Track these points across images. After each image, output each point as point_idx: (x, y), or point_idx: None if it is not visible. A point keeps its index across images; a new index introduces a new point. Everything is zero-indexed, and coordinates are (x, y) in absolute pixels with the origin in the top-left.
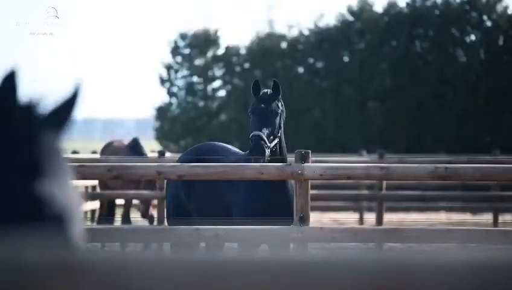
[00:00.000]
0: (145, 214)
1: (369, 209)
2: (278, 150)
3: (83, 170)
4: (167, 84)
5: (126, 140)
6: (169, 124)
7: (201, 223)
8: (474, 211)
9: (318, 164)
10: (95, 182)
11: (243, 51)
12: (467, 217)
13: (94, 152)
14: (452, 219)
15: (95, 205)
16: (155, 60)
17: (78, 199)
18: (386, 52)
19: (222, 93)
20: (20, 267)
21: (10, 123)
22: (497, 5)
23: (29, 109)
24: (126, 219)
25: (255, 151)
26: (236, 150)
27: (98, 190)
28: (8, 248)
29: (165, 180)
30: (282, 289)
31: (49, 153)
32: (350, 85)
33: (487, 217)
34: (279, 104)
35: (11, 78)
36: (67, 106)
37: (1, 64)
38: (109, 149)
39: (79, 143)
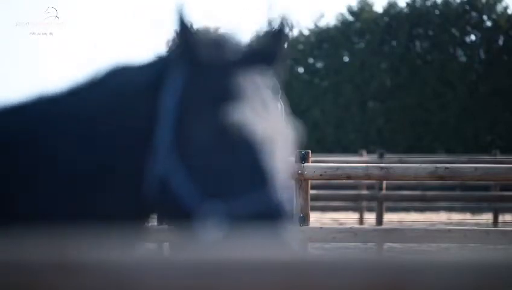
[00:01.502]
0: None
1: (369, 209)
2: None
3: None
4: None
5: None
6: None
7: None
8: (474, 211)
9: (318, 164)
10: None
11: None
12: (467, 217)
13: None
14: (452, 219)
15: None
16: (155, 59)
17: (286, 130)
18: (386, 52)
19: None
20: (20, 267)
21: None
22: (497, 5)
23: (231, 43)
24: None
25: None
26: None
27: None
28: (9, 247)
29: None
30: (282, 289)
31: (258, 89)
32: (350, 85)
33: (487, 217)
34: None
35: (182, 15)
36: (274, 41)
37: (1, 65)
38: None
39: None
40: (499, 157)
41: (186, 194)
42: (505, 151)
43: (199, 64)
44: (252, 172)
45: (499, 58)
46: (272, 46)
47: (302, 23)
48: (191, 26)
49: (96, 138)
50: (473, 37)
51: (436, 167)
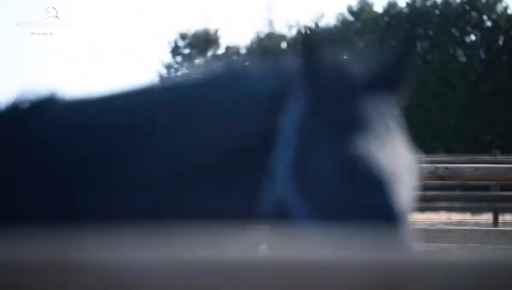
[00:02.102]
0: None
1: None
2: None
3: None
4: None
5: None
6: None
7: None
8: (474, 211)
9: None
10: None
11: (243, 51)
12: (467, 217)
13: None
14: (452, 219)
15: None
16: (155, 60)
17: (410, 167)
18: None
19: None
20: (20, 267)
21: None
22: (497, 5)
23: (350, 67)
24: None
25: None
26: None
27: None
28: (9, 247)
29: None
30: (282, 289)
31: (381, 116)
32: None
33: (487, 217)
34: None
35: (310, 31)
36: (399, 67)
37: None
38: None
39: None
40: (499, 157)
41: (301, 219)
42: (505, 151)
43: (323, 86)
44: (374, 206)
45: (499, 58)
46: (396, 72)
47: (302, 23)
48: (318, 44)
49: (208, 139)
50: (473, 37)
51: (436, 167)
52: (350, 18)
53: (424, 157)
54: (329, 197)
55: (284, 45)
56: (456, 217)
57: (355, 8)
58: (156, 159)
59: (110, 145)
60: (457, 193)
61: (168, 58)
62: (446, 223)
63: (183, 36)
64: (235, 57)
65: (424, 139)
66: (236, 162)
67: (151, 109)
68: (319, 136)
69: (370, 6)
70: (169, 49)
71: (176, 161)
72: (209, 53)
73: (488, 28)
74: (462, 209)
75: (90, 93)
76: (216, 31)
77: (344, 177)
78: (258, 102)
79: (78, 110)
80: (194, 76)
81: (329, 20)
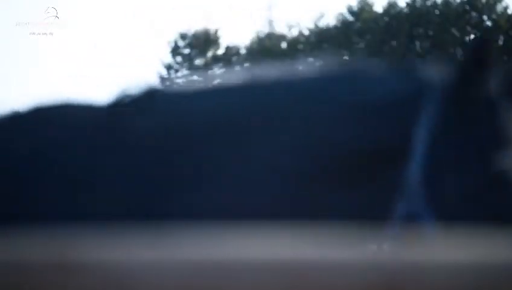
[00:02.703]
0: None
1: None
2: None
3: None
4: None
5: None
6: None
7: None
8: None
9: None
10: None
11: (243, 51)
12: None
13: None
14: None
15: None
16: (155, 60)
17: None
18: (386, 52)
19: None
20: (20, 267)
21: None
22: (497, 5)
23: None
24: None
25: None
26: None
27: None
28: (9, 247)
29: None
30: (282, 289)
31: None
32: None
33: None
34: None
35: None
36: None
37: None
38: None
39: None
40: None
41: (430, 234)
42: None
43: (469, 100)
44: None
45: (498, 58)
46: None
47: (302, 23)
48: (489, 62)
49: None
50: (472, 37)
51: None
52: (350, 18)
53: None
54: (460, 211)
55: (284, 45)
56: None
57: (355, 8)
58: (283, 159)
59: (238, 141)
60: None
61: (168, 58)
62: None
63: (183, 36)
64: (235, 57)
65: None
66: (364, 167)
67: (276, 107)
68: (459, 152)
69: (370, 6)
70: (169, 49)
71: (305, 161)
72: (209, 53)
73: (488, 28)
74: None
75: (195, 87)
76: (216, 31)
77: (482, 195)
78: (394, 107)
79: (194, 103)
80: (316, 73)
81: (329, 20)
